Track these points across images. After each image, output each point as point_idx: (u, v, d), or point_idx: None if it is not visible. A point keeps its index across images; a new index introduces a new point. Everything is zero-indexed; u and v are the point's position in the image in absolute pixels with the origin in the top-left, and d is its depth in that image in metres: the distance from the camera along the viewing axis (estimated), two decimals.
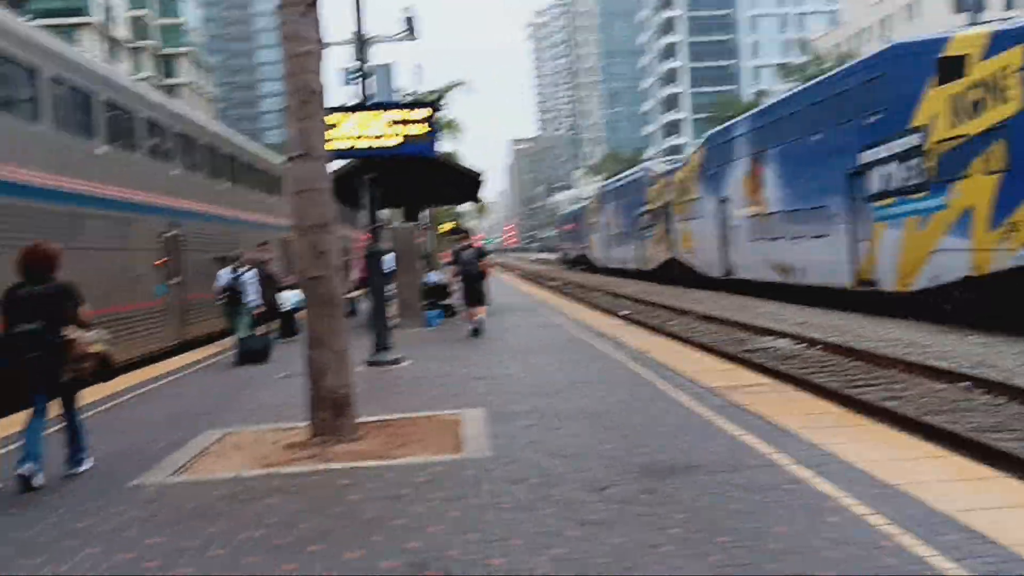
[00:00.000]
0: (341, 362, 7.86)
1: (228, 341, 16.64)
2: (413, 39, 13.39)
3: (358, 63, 12.89)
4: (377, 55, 13.77)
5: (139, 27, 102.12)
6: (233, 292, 16.14)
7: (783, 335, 18.23)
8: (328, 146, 12.91)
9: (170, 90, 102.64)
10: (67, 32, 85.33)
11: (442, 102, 40.27)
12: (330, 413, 7.77)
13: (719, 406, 8.66)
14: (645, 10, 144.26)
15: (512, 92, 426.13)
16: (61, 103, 14.10)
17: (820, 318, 21.37)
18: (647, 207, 43.71)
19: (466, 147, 56.22)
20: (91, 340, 6.86)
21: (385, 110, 12.63)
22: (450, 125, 41.50)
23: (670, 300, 30.17)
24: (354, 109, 12.67)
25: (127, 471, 7.10)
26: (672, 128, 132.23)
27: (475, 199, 26.60)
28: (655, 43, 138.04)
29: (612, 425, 7.96)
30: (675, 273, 39.18)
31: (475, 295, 17.11)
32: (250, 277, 16.00)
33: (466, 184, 22.81)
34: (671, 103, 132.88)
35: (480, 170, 21.45)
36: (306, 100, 7.87)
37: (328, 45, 13.50)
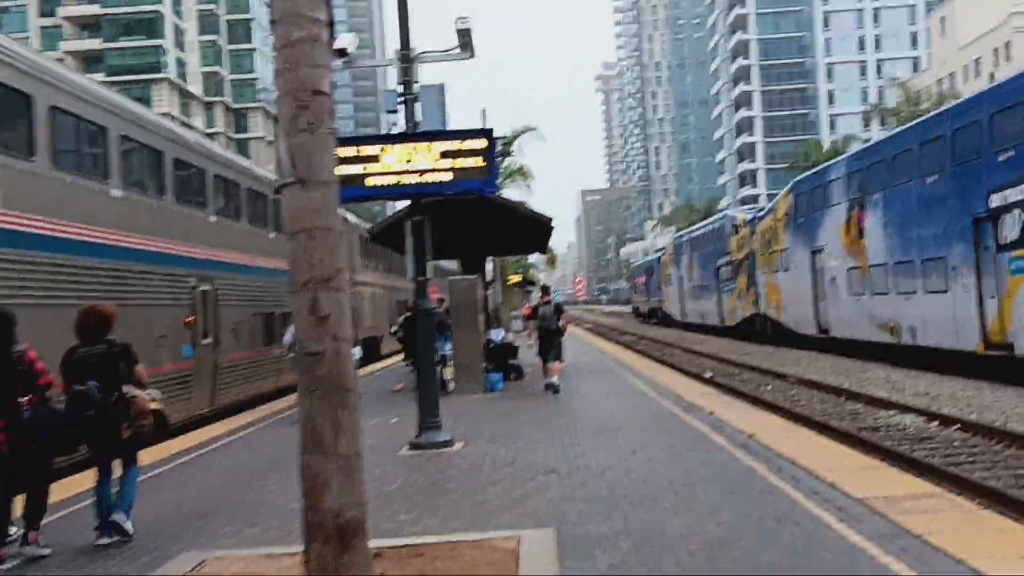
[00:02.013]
0: (349, 472, 5.52)
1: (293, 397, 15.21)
2: (469, 56, 11.08)
3: (403, 84, 10.73)
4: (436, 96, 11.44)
5: (212, 82, 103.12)
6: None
7: (906, 408, 15.45)
8: (369, 182, 10.86)
9: (241, 144, 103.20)
10: (144, 87, 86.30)
11: (511, 148, 38.37)
12: (333, 545, 5.42)
13: (886, 535, 6.10)
14: (718, 60, 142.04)
15: (581, 143, 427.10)
16: (58, 134, 12.07)
17: (942, 387, 18.48)
18: (728, 258, 40.98)
19: (535, 196, 54.18)
20: (149, 398, 7.11)
21: (434, 140, 10.41)
22: (520, 172, 39.53)
23: (758, 360, 27.40)
24: (397, 138, 10.49)
25: None
26: (746, 178, 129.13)
27: (544, 249, 24.33)
28: (728, 93, 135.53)
29: (742, 566, 5.50)
30: (759, 329, 36.31)
31: (554, 351, 17.00)
32: None
33: (534, 232, 20.58)
34: (745, 153, 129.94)
35: (549, 216, 19.17)
36: (304, 104, 5.63)
37: (346, 55, 11.46)
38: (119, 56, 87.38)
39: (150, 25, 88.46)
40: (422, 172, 10.39)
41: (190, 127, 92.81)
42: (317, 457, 5.47)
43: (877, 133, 79.39)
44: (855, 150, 29.27)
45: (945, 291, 20.10)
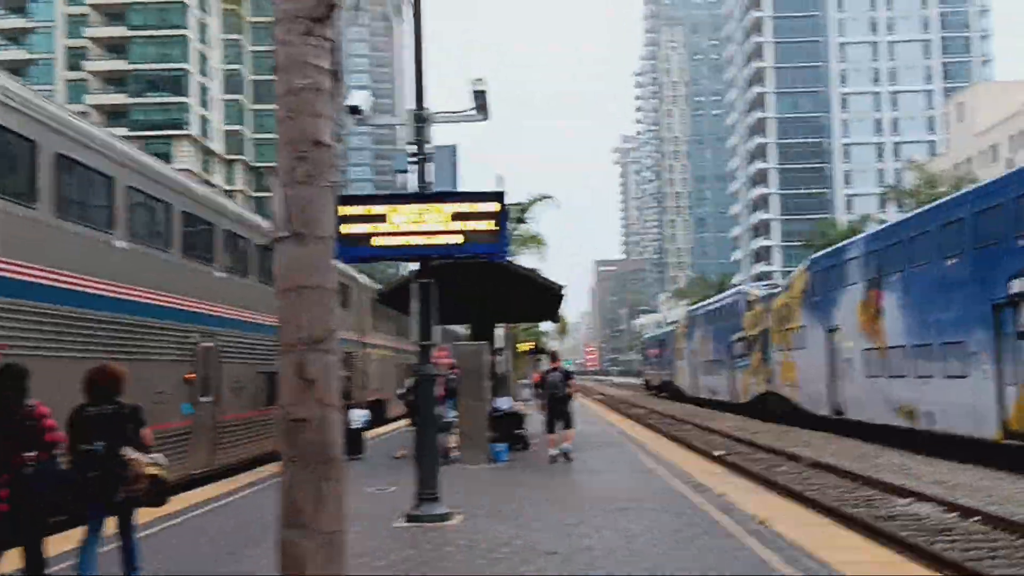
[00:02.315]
0: (330, 551, 5.13)
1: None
2: (483, 117, 10.87)
3: (415, 143, 10.50)
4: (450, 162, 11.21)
5: (234, 141, 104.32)
6: None
7: (922, 497, 14.89)
8: (376, 241, 10.59)
9: (260, 201, 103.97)
10: (166, 143, 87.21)
11: (527, 215, 38.29)
12: None
13: None
14: (736, 136, 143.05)
15: (597, 213, 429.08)
16: (62, 182, 11.78)
17: (960, 475, 17.90)
18: (742, 334, 40.53)
19: (548, 264, 54.02)
20: (148, 462, 7.05)
21: (445, 201, 10.15)
22: (534, 239, 39.36)
23: (771, 439, 26.80)
24: (407, 198, 10.24)
25: None
26: (761, 255, 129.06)
27: (555, 317, 24.00)
28: (745, 170, 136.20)
29: None
30: (772, 408, 35.70)
31: (564, 418, 17.05)
32: None
33: (546, 299, 20.28)
34: (760, 230, 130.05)
35: (560, 284, 18.87)
36: (303, 155, 5.36)
37: (360, 113, 11.30)
38: (143, 112, 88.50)
39: (176, 82, 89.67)
40: (431, 234, 10.11)
41: (210, 184, 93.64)
42: (296, 532, 5.09)
43: (894, 215, 79.44)
44: (873, 230, 28.99)
45: (964, 376, 19.62)
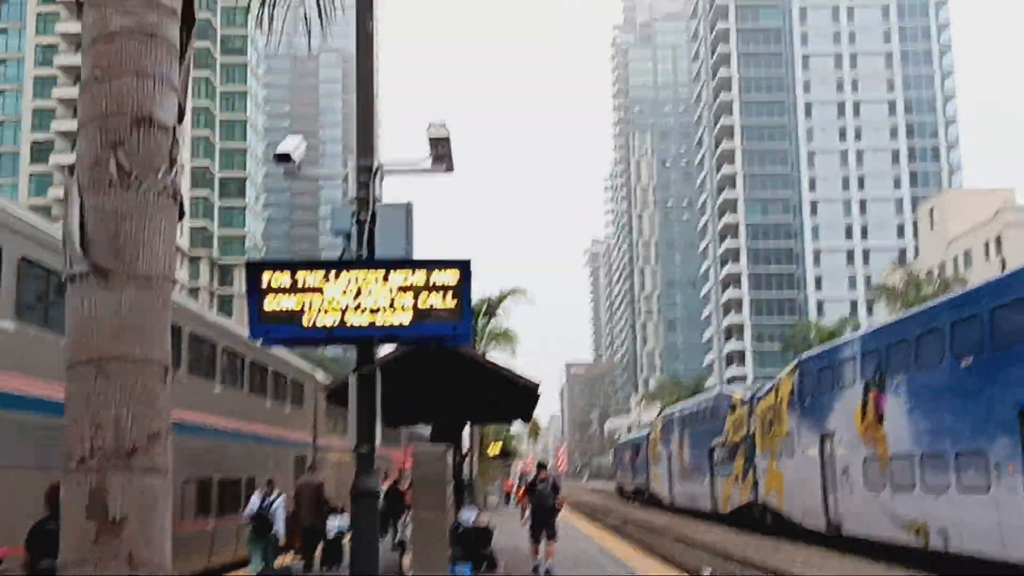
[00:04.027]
0: None
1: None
2: (445, 169, 8.85)
3: (358, 200, 8.42)
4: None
5: (200, 236, 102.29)
6: (262, 519, 15.66)
7: None
8: (308, 320, 8.37)
9: (225, 300, 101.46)
10: None
11: (497, 310, 36.31)
12: None
13: None
14: (706, 240, 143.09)
15: (566, 314, 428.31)
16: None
17: None
18: (724, 439, 38.26)
19: (518, 365, 51.47)
20: None
21: (392, 269, 8.06)
22: (504, 335, 37.31)
23: (762, 555, 24.38)
24: (345, 265, 8.16)
25: None
26: (733, 358, 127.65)
27: (528, 417, 21.80)
28: (716, 273, 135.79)
29: None
30: (758, 519, 33.25)
31: (549, 530, 16.83)
32: (280, 504, 15.72)
33: (519, 398, 18.09)
34: (732, 332, 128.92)
35: (536, 382, 16.72)
36: (119, 139, 3.28)
37: (290, 160, 9.12)
38: None
39: None
40: (374, 311, 7.99)
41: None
42: None
43: (877, 317, 78.35)
44: (872, 327, 27.11)
45: (986, 489, 17.48)
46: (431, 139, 8.45)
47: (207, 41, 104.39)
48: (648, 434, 60.28)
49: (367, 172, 8.55)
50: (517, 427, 71.78)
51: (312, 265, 8.02)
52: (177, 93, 3.51)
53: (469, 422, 23.07)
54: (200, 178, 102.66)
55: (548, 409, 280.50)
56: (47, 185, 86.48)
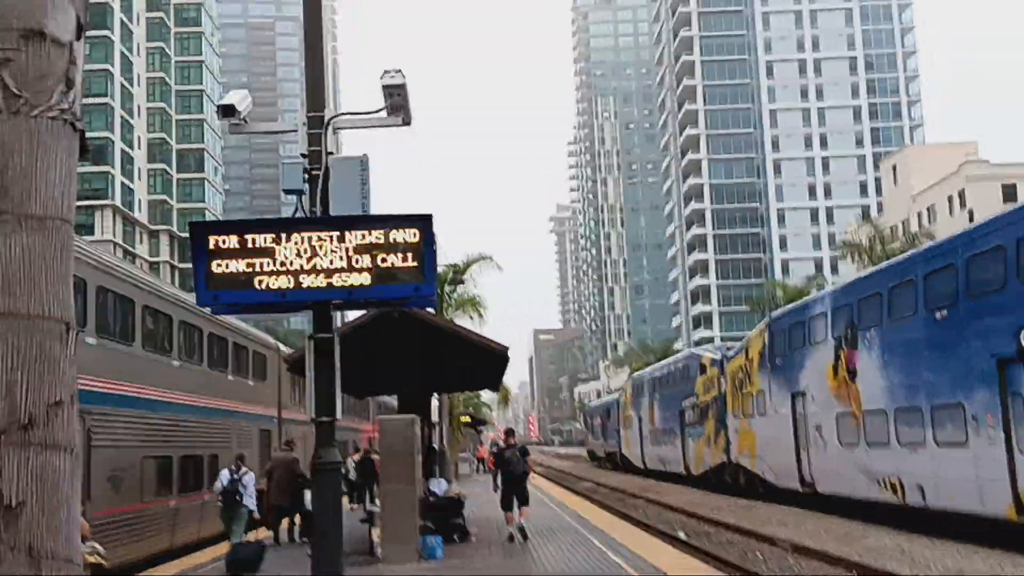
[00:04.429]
0: None
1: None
2: (400, 122, 8.21)
3: (309, 155, 7.77)
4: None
5: (159, 210, 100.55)
6: (231, 494, 15.48)
7: None
8: (260, 283, 7.75)
9: (186, 272, 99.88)
10: (87, 214, 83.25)
11: (463, 277, 35.67)
12: None
13: None
14: (671, 203, 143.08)
15: (533, 281, 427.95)
16: None
17: (974, 563, 15.41)
18: (694, 400, 38.09)
19: (486, 333, 50.86)
20: (86, 551, 6.72)
21: (348, 228, 7.47)
22: (472, 303, 36.73)
23: (735, 517, 24.19)
24: (297, 224, 7.56)
25: None
26: (700, 321, 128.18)
27: (497, 385, 21.33)
28: (682, 236, 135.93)
29: None
30: (731, 479, 33.15)
31: (521, 496, 16.74)
32: (250, 480, 15.68)
33: (488, 364, 17.60)
34: (699, 295, 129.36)
35: (505, 346, 16.22)
36: (4, 54, 2.67)
37: (234, 115, 8.43)
38: None
39: (99, 152, 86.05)
40: (330, 272, 7.40)
41: (132, 254, 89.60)
42: None
43: (843, 276, 78.58)
44: (844, 282, 26.81)
45: (964, 443, 17.26)
46: (385, 87, 7.79)
47: (160, 12, 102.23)
48: (618, 398, 60.17)
49: (318, 123, 7.91)
50: (487, 395, 71.44)
51: (262, 225, 7.39)
52: (75, 5, 2.94)
53: (437, 391, 22.56)
54: (158, 151, 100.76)
55: (517, 376, 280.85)
56: None
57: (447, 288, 34.32)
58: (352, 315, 14.43)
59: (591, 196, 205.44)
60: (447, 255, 34.55)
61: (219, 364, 20.91)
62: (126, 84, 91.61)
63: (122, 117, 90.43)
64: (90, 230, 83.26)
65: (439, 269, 36.01)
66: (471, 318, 36.08)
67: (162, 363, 17.30)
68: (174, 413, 17.43)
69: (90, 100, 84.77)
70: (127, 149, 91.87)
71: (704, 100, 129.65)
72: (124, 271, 16.48)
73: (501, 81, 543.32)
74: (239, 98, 8.08)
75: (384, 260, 7.43)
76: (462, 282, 34.78)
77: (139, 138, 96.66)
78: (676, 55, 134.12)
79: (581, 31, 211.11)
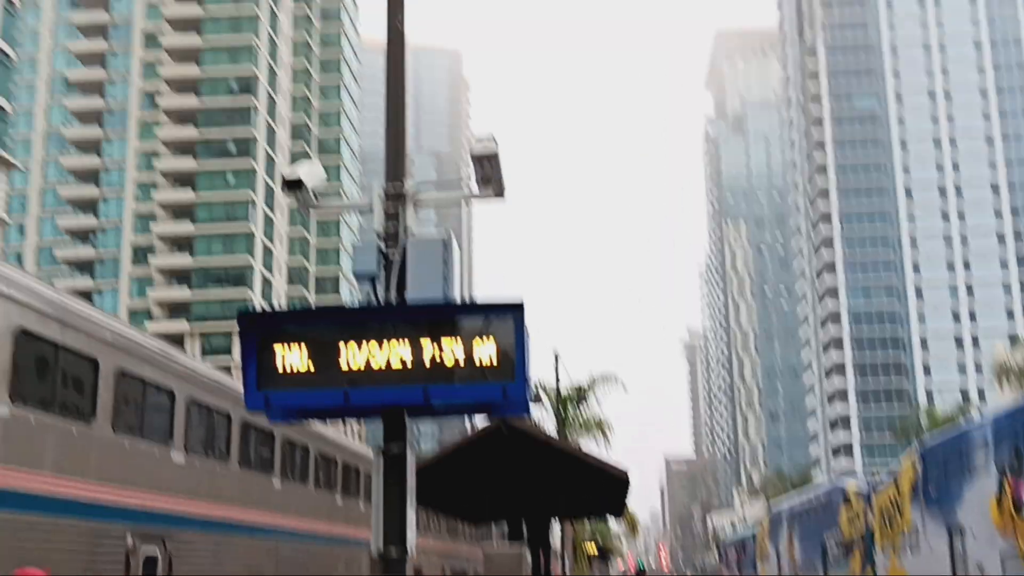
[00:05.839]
0: None
1: None
2: (493, 194, 7.19)
3: (385, 235, 6.83)
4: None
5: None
6: None
7: None
8: (320, 382, 6.71)
9: None
10: (226, 336, 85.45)
11: (588, 397, 34.34)
12: None
13: None
14: (808, 328, 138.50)
15: (663, 407, 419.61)
16: None
17: None
18: (838, 535, 35.17)
19: (614, 458, 48.94)
20: None
21: (426, 318, 6.44)
22: (598, 425, 35.17)
23: None
24: (363, 315, 6.58)
25: None
26: (840, 450, 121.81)
27: (619, 511, 19.77)
28: (819, 362, 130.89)
29: None
30: None
31: None
32: None
33: (606, 488, 16.17)
34: (837, 423, 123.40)
35: (624, 468, 14.82)
36: None
37: (301, 187, 7.26)
38: (204, 306, 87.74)
39: (239, 276, 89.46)
40: (403, 371, 6.37)
41: None
42: None
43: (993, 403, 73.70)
44: (1007, 406, 24.33)
45: None
46: (475, 157, 6.79)
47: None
48: (754, 531, 56.89)
49: (396, 200, 7.00)
50: (615, 523, 68.63)
51: (323, 314, 6.48)
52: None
53: (552, 517, 21.12)
54: (296, 276, 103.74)
55: (648, 504, 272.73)
56: (147, 286, 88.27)
57: (570, 410, 33.05)
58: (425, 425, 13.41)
59: (723, 321, 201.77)
60: (568, 372, 33.38)
61: (326, 484, 20.05)
62: (267, 210, 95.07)
63: (264, 244, 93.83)
64: (229, 352, 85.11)
65: (563, 391, 34.95)
66: (595, 441, 34.57)
67: (264, 484, 16.47)
68: (274, 539, 16.47)
69: (232, 227, 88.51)
70: (267, 273, 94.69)
71: (841, 224, 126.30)
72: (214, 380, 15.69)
73: (623, 198, 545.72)
74: (307, 171, 7.20)
75: (467, 357, 6.36)
76: (585, 401, 33.42)
77: (280, 262, 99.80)
78: (810, 179, 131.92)
79: (713, 159, 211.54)
